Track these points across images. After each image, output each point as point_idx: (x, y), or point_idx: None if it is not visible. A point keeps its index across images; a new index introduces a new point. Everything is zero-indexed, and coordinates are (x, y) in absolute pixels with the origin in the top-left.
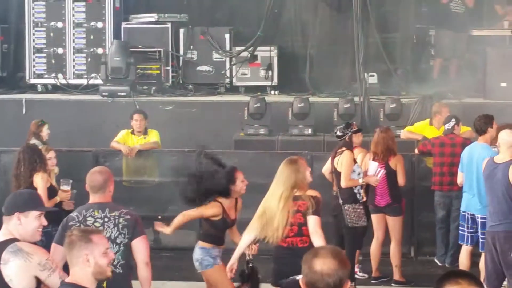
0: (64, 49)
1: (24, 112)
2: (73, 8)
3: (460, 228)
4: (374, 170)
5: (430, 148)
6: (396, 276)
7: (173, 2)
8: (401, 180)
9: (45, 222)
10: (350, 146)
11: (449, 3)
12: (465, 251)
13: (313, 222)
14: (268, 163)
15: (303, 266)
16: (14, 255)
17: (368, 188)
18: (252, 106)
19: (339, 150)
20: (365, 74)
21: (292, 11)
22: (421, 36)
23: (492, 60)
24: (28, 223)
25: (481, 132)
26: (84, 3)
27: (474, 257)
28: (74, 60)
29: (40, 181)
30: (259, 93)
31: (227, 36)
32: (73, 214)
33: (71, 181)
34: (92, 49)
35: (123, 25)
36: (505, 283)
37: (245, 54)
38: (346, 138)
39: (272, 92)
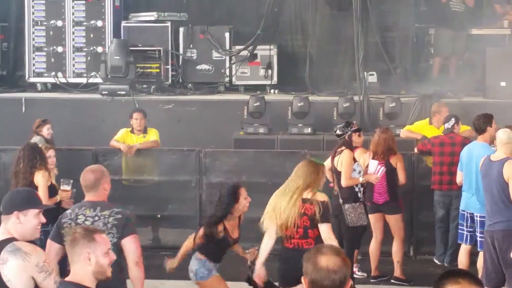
0: (63, 47)
1: (23, 110)
2: (72, 7)
3: (459, 227)
4: (374, 168)
5: (429, 147)
6: (397, 272)
7: (173, 1)
8: (402, 178)
9: (43, 220)
10: (350, 145)
11: (448, 2)
12: (464, 250)
13: (325, 230)
14: (267, 162)
15: (305, 264)
16: (12, 255)
17: (366, 186)
18: (251, 105)
19: (339, 150)
20: (365, 73)
21: (292, 10)
22: (420, 35)
23: (491, 59)
24: (27, 222)
25: (480, 131)
26: (83, 2)
27: (473, 256)
28: (73, 58)
29: (41, 179)
30: (258, 92)
31: (226, 35)
32: (68, 211)
33: (71, 181)
34: (91, 48)
35: (123, 23)
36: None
37: (244, 53)
38: (346, 137)
39: (272, 91)
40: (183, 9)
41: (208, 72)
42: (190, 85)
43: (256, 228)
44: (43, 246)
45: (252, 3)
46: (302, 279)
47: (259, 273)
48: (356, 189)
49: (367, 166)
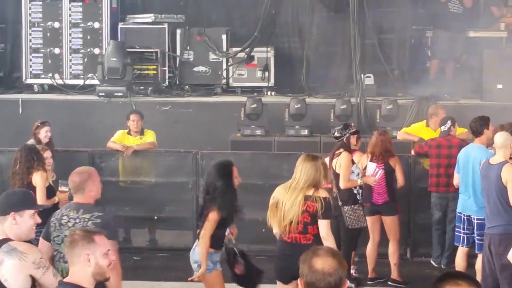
0: (60, 49)
1: (20, 112)
2: (69, 8)
3: (456, 229)
4: (372, 170)
5: (426, 149)
6: (394, 274)
7: (170, 2)
8: (400, 180)
9: (39, 220)
10: (348, 147)
11: (447, 3)
12: (461, 252)
13: (324, 227)
14: (264, 163)
15: (301, 266)
16: (8, 255)
17: (363, 187)
18: (248, 106)
19: (337, 152)
20: (362, 75)
21: (289, 12)
22: (417, 37)
23: (488, 61)
24: (23, 222)
25: (477, 133)
26: (80, 3)
27: (470, 259)
28: (70, 60)
29: (39, 180)
30: (255, 93)
31: (223, 36)
32: (57, 211)
33: None
34: (88, 49)
35: (120, 25)
36: None
37: (241, 54)
38: (344, 139)
39: (269, 93)
40: (180, 11)
41: (205, 74)
42: (187, 86)
43: (253, 229)
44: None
45: (249, 5)
46: (299, 280)
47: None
48: (355, 191)
49: (364, 168)
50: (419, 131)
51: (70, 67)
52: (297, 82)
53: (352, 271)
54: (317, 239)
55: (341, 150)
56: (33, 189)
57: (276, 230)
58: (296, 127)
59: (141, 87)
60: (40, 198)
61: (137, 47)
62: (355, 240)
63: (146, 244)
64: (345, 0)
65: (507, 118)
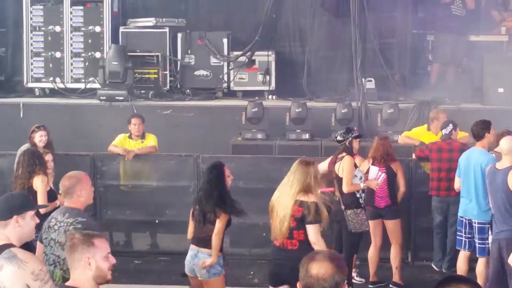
0: (62, 53)
1: (21, 116)
2: (71, 12)
3: (458, 233)
4: (375, 174)
5: (427, 153)
6: (396, 278)
7: (171, 6)
8: (402, 186)
9: (37, 220)
10: (350, 151)
11: (450, 5)
12: (462, 256)
13: (311, 231)
14: (265, 167)
15: (300, 269)
16: (8, 262)
17: (365, 191)
18: (249, 110)
19: (340, 156)
20: (363, 79)
21: (290, 16)
22: (418, 42)
23: (489, 65)
24: (26, 224)
25: (478, 137)
26: (82, 7)
27: (472, 262)
28: (72, 64)
29: (40, 184)
30: (256, 97)
31: (225, 40)
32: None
33: None
34: (90, 53)
35: (121, 29)
36: None
37: (242, 58)
38: (347, 143)
39: (270, 96)
40: (181, 15)
41: (206, 78)
42: (188, 90)
43: (254, 233)
44: None
45: (250, 9)
46: (298, 284)
47: None
48: (358, 195)
49: (367, 172)
50: (420, 135)
51: (71, 71)
52: (298, 86)
53: (354, 274)
54: (303, 245)
55: (344, 154)
56: (34, 193)
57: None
58: (297, 131)
59: (142, 91)
60: (42, 201)
61: (138, 51)
62: (357, 244)
63: (147, 247)
64: (346, 5)
65: (508, 122)
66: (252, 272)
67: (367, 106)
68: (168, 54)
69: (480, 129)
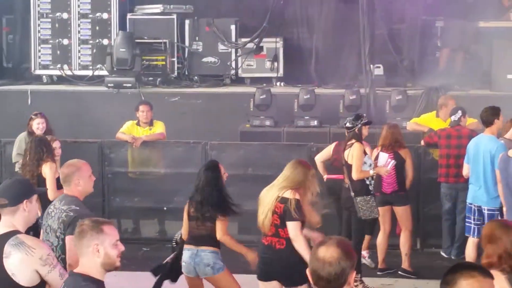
0: (69, 40)
1: (29, 103)
2: None
3: (467, 220)
4: (384, 161)
5: (436, 140)
6: (405, 264)
7: None
8: (410, 174)
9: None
10: (360, 138)
11: None
12: (471, 243)
13: (291, 228)
14: (273, 154)
15: (311, 253)
16: (16, 248)
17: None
18: (257, 97)
19: (349, 143)
20: (371, 65)
21: (297, 2)
22: (427, 28)
23: (498, 52)
24: (32, 208)
25: (487, 123)
26: None
27: (480, 249)
28: (79, 51)
29: (48, 171)
30: (264, 84)
31: (232, 27)
32: None
33: None
34: (97, 40)
35: (129, 16)
36: None
37: (250, 45)
38: (356, 129)
39: (278, 83)
40: (189, 2)
41: (214, 65)
42: (196, 77)
43: None
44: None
45: None
46: (307, 269)
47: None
48: (367, 182)
49: (376, 159)
50: (429, 122)
51: (79, 58)
52: (306, 72)
53: (365, 255)
54: (291, 243)
55: (353, 141)
56: (43, 180)
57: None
58: (306, 117)
59: (150, 78)
60: (51, 189)
61: (146, 37)
62: (367, 229)
63: (155, 235)
64: None
65: None
66: None
67: (376, 92)
68: (176, 41)
69: (490, 115)
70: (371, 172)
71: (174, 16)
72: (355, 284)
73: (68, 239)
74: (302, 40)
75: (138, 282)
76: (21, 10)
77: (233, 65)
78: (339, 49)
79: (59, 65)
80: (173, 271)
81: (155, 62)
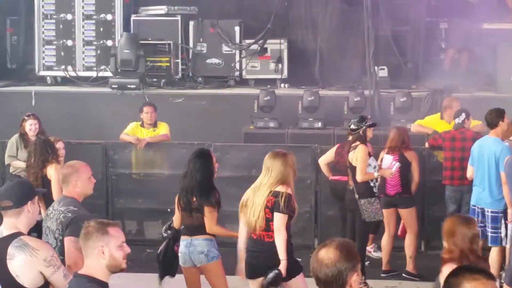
0: (73, 41)
1: (33, 104)
2: (82, 0)
3: None
4: (389, 163)
5: (440, 142)
6: (409, 267)
7: None
8: (416, 177)
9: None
10: (364, 140)
11: None
12: None
13: (277, 219)
14: None
15: (312, 254)
16: (20, 250)
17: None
18: (261, 99)
19: (353, 145)
20: (375, 67)
21: (302, 4)
22: (431, 29)
23: (503, 53)
24: (35, 209)
25: (492, 126)
26: None
27: (484, 252)
28: (83, 52)
29: (54, 173)
30: (268, 86)
31: (237, 28)
32: None
33: None
34: (101, 42)
35: (133, 17)
36: None
37: (255, 47)
38: (361, 131)
39: (282, 85)
40: (193, 3)
41: (218, 66)
42: (200, 79)
43: None
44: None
45: None
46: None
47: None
48: (372, 184)
49: (380, 161)
50: (433, 124)
51: (83, 59)
52: (310, 74)
53: (370, 250)
54: None
55: (358, 143)
56: (48, 182)
57: (245, 228)
58: (310, 119)
59: (154, 79)
60: (56, 190)
61: (150, 39)
62: (372, 230)
63: (159, 236)
64: None
65: None
66: None
67: (380, 94)
68: (180, 42)
69: (494, 118)
70: (376, 174)
71: (178, 18)
72: (360, 286)
73: (67, 240)
74: (307, 42)
75: (142, 283)
76: (25, 11)
77: (237, 66)
78: (343, 51)
79: (63, 66)
80: (168, 262)
81: (159, 64)
